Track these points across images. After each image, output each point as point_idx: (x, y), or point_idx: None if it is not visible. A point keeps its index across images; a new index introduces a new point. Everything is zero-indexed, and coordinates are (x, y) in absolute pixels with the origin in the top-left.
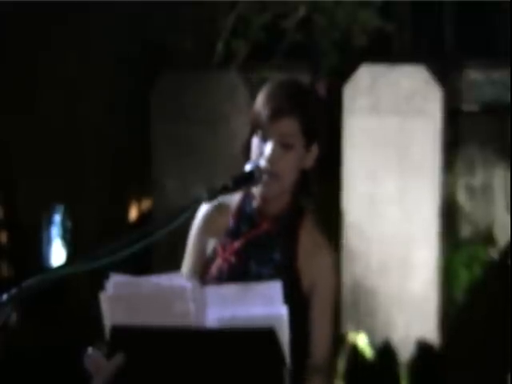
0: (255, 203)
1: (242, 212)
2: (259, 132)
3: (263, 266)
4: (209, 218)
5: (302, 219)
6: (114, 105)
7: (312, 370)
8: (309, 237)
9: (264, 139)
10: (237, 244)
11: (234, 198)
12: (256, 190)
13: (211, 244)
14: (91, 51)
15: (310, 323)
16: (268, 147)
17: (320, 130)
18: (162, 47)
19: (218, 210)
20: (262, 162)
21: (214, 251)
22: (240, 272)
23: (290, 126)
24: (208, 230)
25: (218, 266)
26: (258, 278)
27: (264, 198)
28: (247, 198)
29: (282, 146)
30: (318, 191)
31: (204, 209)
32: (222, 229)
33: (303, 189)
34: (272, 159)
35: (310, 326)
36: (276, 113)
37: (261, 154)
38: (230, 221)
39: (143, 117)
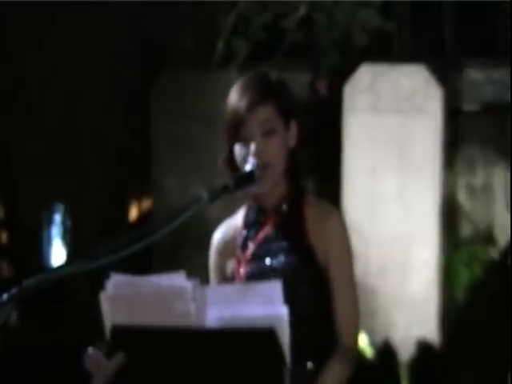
0: (256, 205)
1: (248, 221)
2: (238, 133)
3: (276, 258)
4: (222, 244)
5: (302, 199)
6: (114, 104)
7: (337, 353)
8: (314, 210)
9: (245, 138)
10: (249, 252)
11: (240, 213)
12: (255, 194)
13: (230, 266)
14: (91, 51)
15: (332, 298)
16: (252, 145)
17: (294, 108)
18: (162, 47)
19: (228, 232)
20: (251, 159)
21: (233, 271)
22: (257, 274)
23: (267, 111)
24: (224, 256)
25: (238, 281)
26: (274, 271)
27: (263, 195)
28: (250, 207)
29: (265, 134)
30: (317, 189)
31: (216, 235)
32: (236, 248)
33: (294, 170)
34: (259, 150)
35: (332, 300)
36: (253, 103)
37: (246, 155)
38: (239, 237)
39: (143, 116)
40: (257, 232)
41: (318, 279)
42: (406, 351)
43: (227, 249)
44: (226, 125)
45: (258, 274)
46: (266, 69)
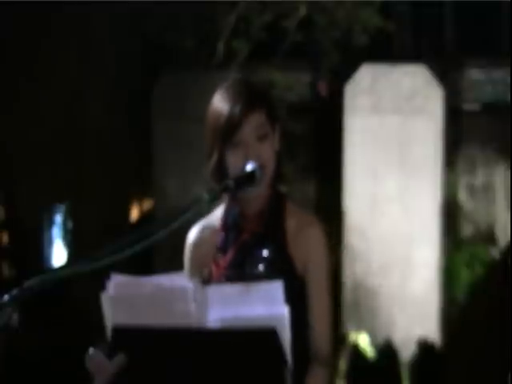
0: (236, 209)
1: (227, 224)
2: (231, 138)
3: (255, 266)
4: (196, 245)
5: (283, 206)
6: (115, 105)
7: (314, 360)
8: (295, 219)
9: (239, 145)
10: (228, 256)
11: (216, 214)
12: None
13: (205, 266)
14: (91, 51)
15: (308, 305)
16: (249, 147)
17: (276, 113)
18: (163, 47)
19: (204, 233)
20: (252, 164)
21: (209, 273)
22: (236, 279)
23: (261, 117)
24: (198, 256)
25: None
26: (253, 279)
27: (246, 200)
28: (229, 208)
29: (258, 138)
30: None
31: (190, 236)
32: (212, 249)
33: (277, 174)
34: (255, 154)
35: (308, 307)
36: (249, 108)
37: (240, 160)
38: (217, 238)
39: (144, 117)
40: (236, 236)
41: (296, 290)
42: (407, 351)
43: (203, 250)
44: (218, 130)
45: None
46: (240, 72)
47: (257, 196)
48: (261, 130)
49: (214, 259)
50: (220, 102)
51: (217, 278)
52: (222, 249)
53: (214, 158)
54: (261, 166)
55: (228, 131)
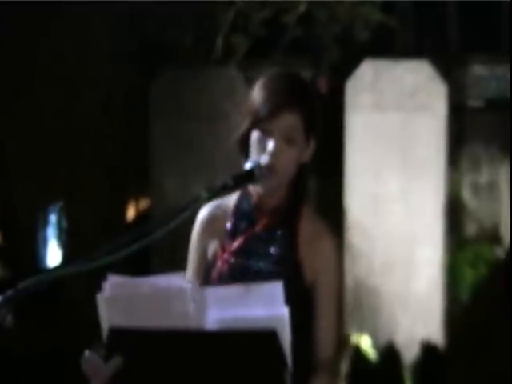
0: (252, 200)
1: (239, 211)
2: (259, 126)
3: (264, 262)
4: (207, 222)
5: (300, 210)
6: (112, 102)
7: (317, 367)
8: (309, 227)
9: (265, 133)
10: (236, 244)
11: (232, 198)
12: (253, 187)
13: (212, 248)
14: (89, 48)
15: (314, 316)
16: (271, 142)
17: (318, 125)
18: (161, 43)
19: (216, 212)
20: (265, 158)
21: (215, 255)
22: (240, 272)
23: (293, 120)
24: (207, 234)
25: (219, 269)
26: (257, 273)
27: (261, 194)
28: (244, 196)
29: (286, 141)
30: (320, 188)
31: (202, 212)
32: (222, 231)
33: (299, 182)
34: (276, 154)
35: (314, 318)
36: (279, 108)
37: (262, 148)
38: (228, 221)
39: (142, 114)
40: (247, 226)
41: (302, 295)
42: (410, 353)
43: (213, 230)
44: (247, 112)
45: (241, 271)
46: (297, 69)
47: (271, 194)
48: (289, 134)
49: (222, 242)
50: (255, 93)
51: (220, 262)
52: (231, 234)
53: (241, 130)
54: (273, 168)
55: (255, 119)
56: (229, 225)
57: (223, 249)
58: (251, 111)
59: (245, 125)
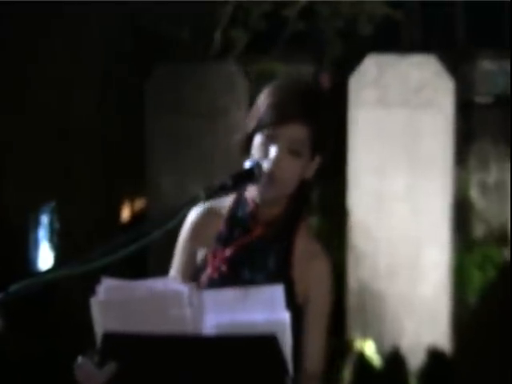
0: (248, 207)
1: (234, 217)
2: (264, 131)
3: (256, 273)
4: (199, 224)
5: (297, 226)
6: (106, 99)
7: (303, 381)
8: (304, 245)
9: (270, 139)
10: (228, 251)
11: (226, 202)
12: (250, 193)
13: (201, 252)
14: (82, 45)
15: (303, 334)
16: (274, 150)
17: (328, 141)
18: (158, 37)
19: (209, 214)
20: (266, 164)
21: (205, 260)
22: (232, 280)
23: (299, 131)
24: (198, 237)
25: (209, 276)
26: (250, 284)
27: (259, 202)
28: (240, 201)
29: (290, 152)
30: (322, 187)
31: (193, 214)
32: (213, 235)
33: (300, 196)
34: (278, 164)
35: (303, 337)
36: (286, 117)
37: (265, 154)
38: (221, 226)
39: (137, 111)
40: (241, 234)
41: (293, 311)
42: (415, 359)
43: (204, 234)
44: (253, 117)
45: (233, 280)
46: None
47: (270, 203)
48: (294, 146)
49: (213, 248)
50: (263, 99)
51: (211, 269)
52: (224, 240)
53: (245, 132)
54: (271, 174)
55: (260, 125)
56: (222, 230)
57: (214, 255)
58: (257, 116)
59: (249, 127)
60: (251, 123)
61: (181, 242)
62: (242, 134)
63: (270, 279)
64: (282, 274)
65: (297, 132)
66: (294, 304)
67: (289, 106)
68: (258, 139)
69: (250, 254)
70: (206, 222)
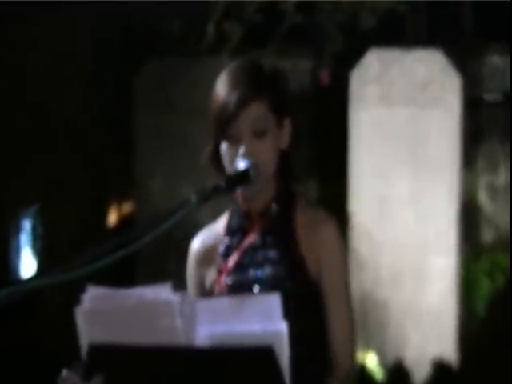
0: (242, 209)
1: (231, 228)
2: (225, 134)
3: (261, 268)
4: (201, 253)
5: (293, 203)
6: (93, 97)
7: (334, 375)
8: (305, 216)
9: (233, 140)
10: (231, 262)
11: (221, 221)
12: (239, 192)
13: (210, 277)
14: (69, 36)
15: (327, 319)
16: (241, 146)
17: (288, 103)
18: (147, 31)
19: (208, 240)
20: (243, 162)
21: (212, 283)
22: (240, 285)
23: (259, 109)
24: (203, 264)
25: (218, 294)
26: (258, 282)
27: (249, 197)
28: (235, 211)
29: (255, 134)
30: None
31: (195, 244)
32: (216, 257)
33: (284, 173)
34: (248, 152)
35: (327, 323)
36: (244, 99)
37: (235, 154)
38: (220, 246)
39: (125, 109)
40: (241, 239)
41: (308, 293)
42: (420, 372)
43: (207, 258)
44: (214, 120)
45: (240, 287)
46: (257, 55)
47: (261, 194)
48: (260, 124)
49: (218, 267)
50: (219, 87)
51: (218, 287)
52: (226, 255)
53: (209, 147)
54: (255, 165)
55: (221, 123)
56: (221, 247)
57: (220, 272)
58: (217, 110)
59: (211, 140)
60: (211, 135)
61: (189, 274)
62: (208, 151)
63: (277, 267)
64: (288, 257)
65: (257, 110)
66: (308, 280)
67: (242, 90)
68: (223, 148)
69: (252, 252)
70: (207, 249)
